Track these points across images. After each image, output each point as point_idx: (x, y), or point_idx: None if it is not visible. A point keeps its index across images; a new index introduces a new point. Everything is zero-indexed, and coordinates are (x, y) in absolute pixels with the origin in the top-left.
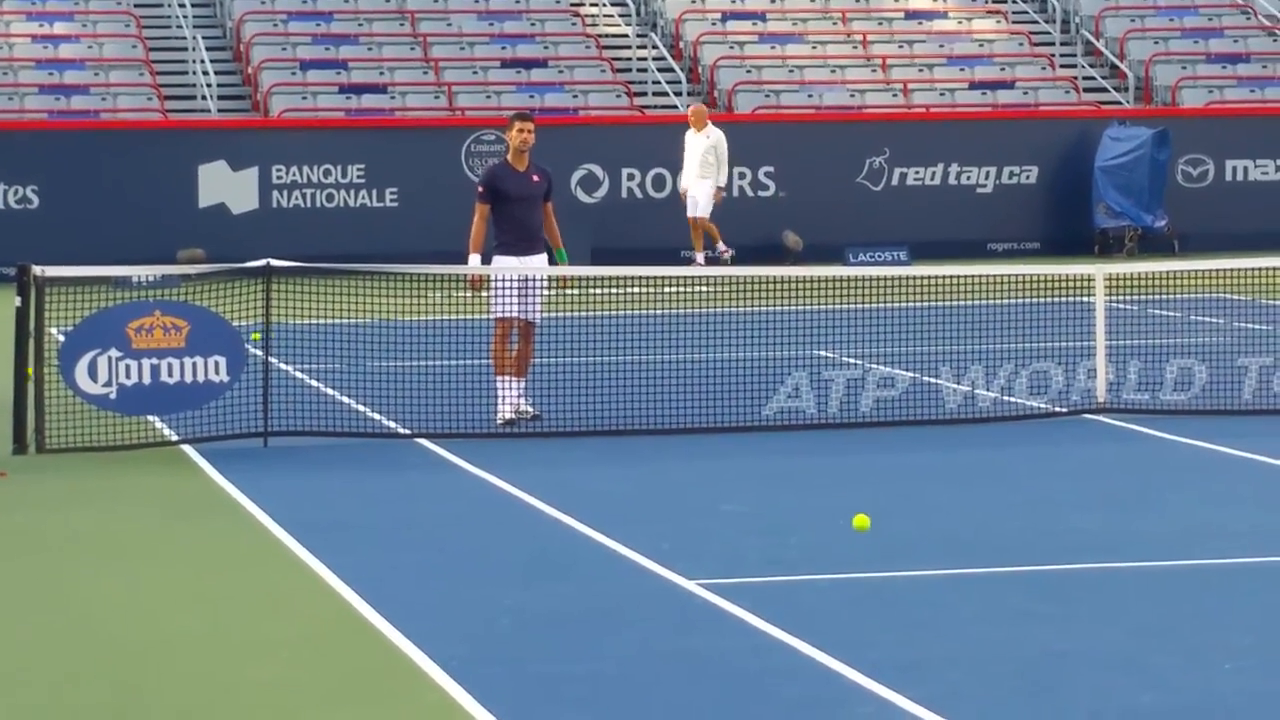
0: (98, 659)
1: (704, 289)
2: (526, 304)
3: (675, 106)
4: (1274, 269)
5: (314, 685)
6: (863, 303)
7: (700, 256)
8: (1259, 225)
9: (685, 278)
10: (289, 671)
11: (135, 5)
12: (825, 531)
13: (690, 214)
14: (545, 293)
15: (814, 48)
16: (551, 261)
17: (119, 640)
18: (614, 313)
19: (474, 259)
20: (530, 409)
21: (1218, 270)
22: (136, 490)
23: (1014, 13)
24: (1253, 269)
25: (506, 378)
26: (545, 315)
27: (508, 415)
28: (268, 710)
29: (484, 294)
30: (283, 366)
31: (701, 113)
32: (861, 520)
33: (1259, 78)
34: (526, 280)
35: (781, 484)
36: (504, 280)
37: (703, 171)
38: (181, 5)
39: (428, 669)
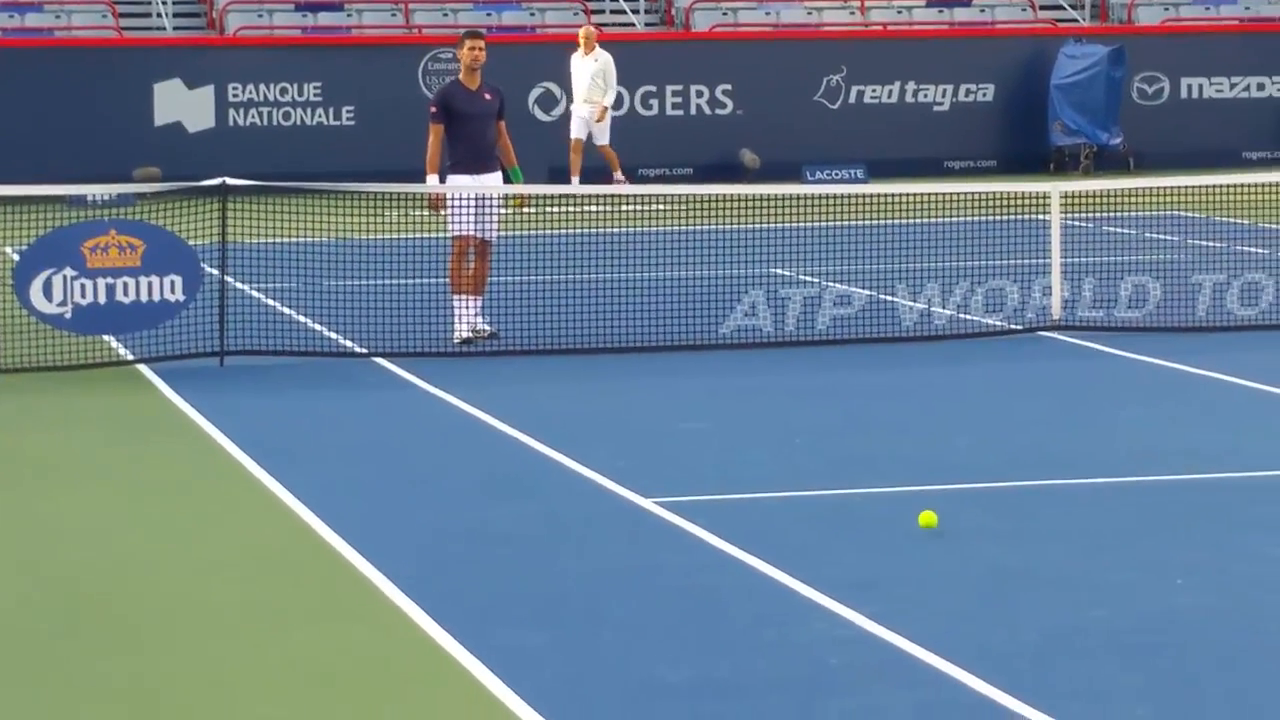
0: (53, 580)
1: (661, 208)
2: (482, 222)
3: (633, 24)
4: (1228, 186)
5: (270, 604)
6: (820, 221)
7: (576, 180)
8: (1213, 143)
9: (642, 196)
10: (244, 590)
11: None
12: (781, 449)
13: (575, 135)
14: (501, 211)
15: None
16: (507, 181)
17: (75, 561)
18: (571, 231)
19: (432, 179)
20: (487, 327)
21: (1172, 187)
22: (92, 410)
23: None
24: (1207, 186)
25: (463, 296)
26: (502, 234)
27: (465, 334)
28: (223, 629)
29: (443, 213)
30: (239, 286)
31: (591, 35)
32: (929, 517)
33: None
34: (482, 199)
35: (738, 402)
36: (460, 198)
37: (590, 95)
38: None
39: (383, 587)
